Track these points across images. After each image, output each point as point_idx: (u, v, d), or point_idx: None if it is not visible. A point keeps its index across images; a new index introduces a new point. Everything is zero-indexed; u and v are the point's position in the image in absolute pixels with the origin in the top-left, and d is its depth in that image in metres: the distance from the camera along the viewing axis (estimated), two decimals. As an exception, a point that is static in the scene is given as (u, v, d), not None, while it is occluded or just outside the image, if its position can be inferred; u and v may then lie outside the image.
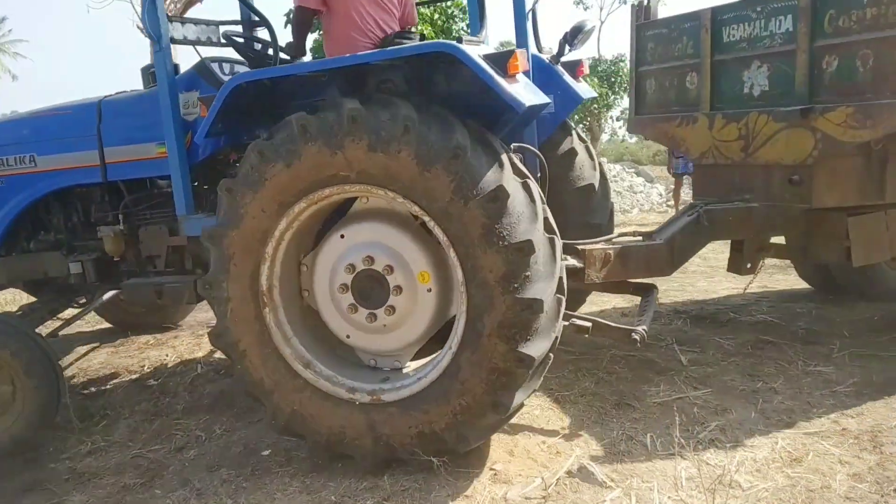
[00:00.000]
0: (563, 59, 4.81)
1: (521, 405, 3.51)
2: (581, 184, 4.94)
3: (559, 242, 3.58)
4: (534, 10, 4.60)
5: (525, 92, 3.52)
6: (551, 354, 3.53)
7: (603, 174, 5.19)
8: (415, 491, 3.45)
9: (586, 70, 5.02)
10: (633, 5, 6.02)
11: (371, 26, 4.25)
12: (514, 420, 4.00)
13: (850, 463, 3.53)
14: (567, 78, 4.74)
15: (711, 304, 6.45)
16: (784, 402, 4.18)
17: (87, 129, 4.55)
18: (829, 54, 4.46)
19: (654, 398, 4.29)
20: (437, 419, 3.47)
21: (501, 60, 3.42)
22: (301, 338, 3.79)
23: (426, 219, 3.38)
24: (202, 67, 4.47)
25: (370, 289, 3.61)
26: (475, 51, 3.40)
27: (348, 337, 3.77)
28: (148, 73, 4.65)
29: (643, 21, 5.86)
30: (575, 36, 4.73)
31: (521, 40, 4.23)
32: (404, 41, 4.18)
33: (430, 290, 3.57)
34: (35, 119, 4.82)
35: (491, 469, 3.60)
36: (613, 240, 4.76)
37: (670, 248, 4.67)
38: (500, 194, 3.22)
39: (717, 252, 7.48)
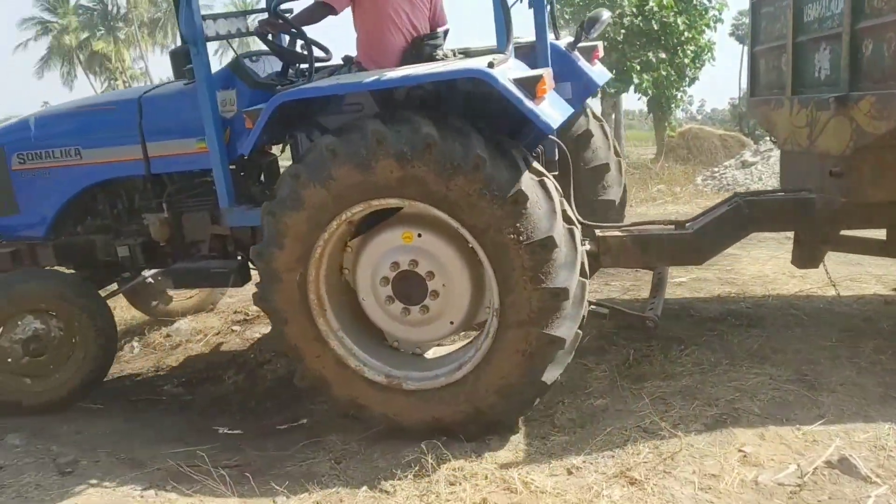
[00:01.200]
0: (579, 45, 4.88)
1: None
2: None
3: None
4: (552, 2, 4.75)
5: (552, 111, 3.77)
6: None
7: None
8: (657, 465, 3.41)
9: (601, 54, 5.18)
10: None
11: (406, 24, 4.38)
12: (766, 403, 3.85)
13: None
14: (583, 64, 4.85)
15: None
16: None
17: (130, 125, 4.72)
18: (868, 37, 4.10)
19: (928, 393, 3.90)
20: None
21: (530, 84, 3.63)
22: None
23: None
24: (237, 66, 4.62)
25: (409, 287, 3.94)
26: (506, 74, 3.60)
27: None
28: (182, 68, 4.73)
29: None
30: (592, 25, 4.79)
31: (541, 33, 4.43)
32: (435, 43, 4.47)
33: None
34: (78, 113, 5.00)
35: (740, 451, 3.46)
36: (640, 226, 4.83)
37: (700, 238, 4.62)
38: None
39: None
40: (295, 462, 3.97)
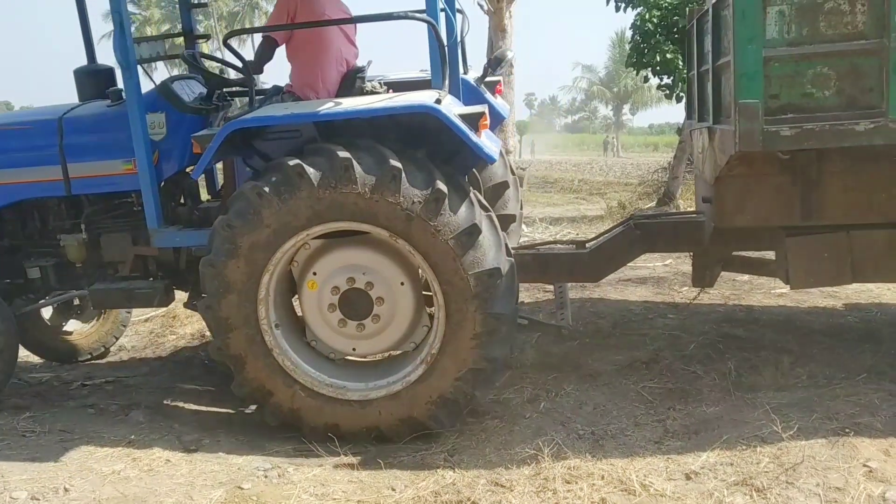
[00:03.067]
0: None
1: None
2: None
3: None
4: (463, 39, 4.98)
5: (491, 144, 4.20)
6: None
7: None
8: (779, 475, 3.41)
9: (503, 89, 5.70)
10: (689, 7, 6.05)
11: (339, 58, 4.61)
12: (888, 419, 3.81)
13: None
14: (489, 97, 5.09)
15: None
16: None
17: (49, 146, 4.64)
18: (721, 74, 4.36)
19: None
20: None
21: (474, 119, 3.93)
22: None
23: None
24: (166, 89, 4.67)
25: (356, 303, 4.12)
26: (451, 110, 3.88)
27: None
28: (85, 88, 4.87)
29: (690, 24, 5.62)
30: (498, 64, 5.19)
31: (455, 68, 4.62)
32: (363, 76, 4.73)
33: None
34: None
35: (864, 466, 3.43)
36: (542, 247, 5.41)
37: (595, 258, 5.05)
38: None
39: None
40: (407, 453, 4.06)
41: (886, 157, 4.14)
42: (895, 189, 4.26)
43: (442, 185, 3.81)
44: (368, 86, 4.66)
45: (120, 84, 4.90)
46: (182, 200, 5.07)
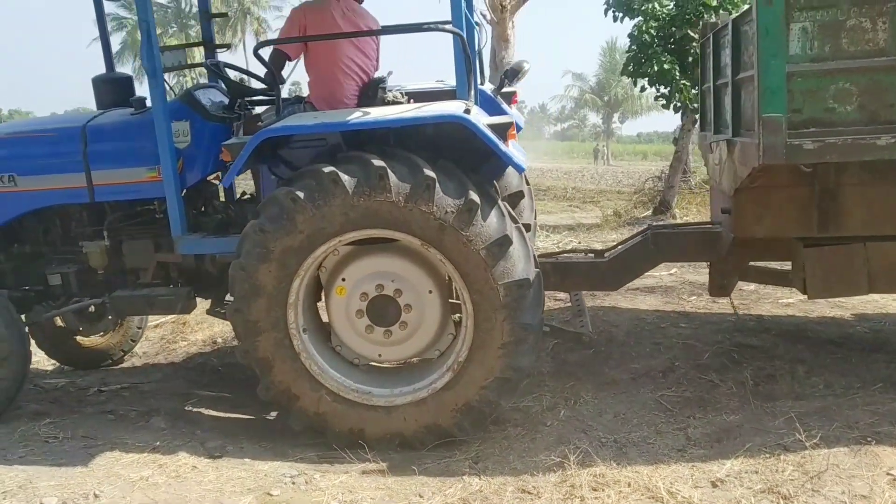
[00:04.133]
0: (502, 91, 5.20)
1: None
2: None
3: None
4: (480, 50, 5.11)
5: (519, 154, 4.25)
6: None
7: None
8: (805, 483, 3.46)
9: (518, 99, 5.59)
10: (703, 22, 6.18)
11: (355, 70, 4.66)
12: (905, 427, 3.88)
13: None
14: (506, 107, 5.10)
15: None
16: None
17: (73, 153, 4.67)
18: (742, 88, 4.44)
19: None
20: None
21: (503, 130, 4.00)
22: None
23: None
24: (190, 98, 4.73)
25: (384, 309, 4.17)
26: (480, 120, 3.95)
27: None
28: (103, 96, 4.93)
29: (704, 38, 5.71)
30: (515, 75, 5.23)
31: (461, 78, 4.32)
32: (384, 86, 4.76)
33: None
34: (14, 139, 4.89)
35: (888, 474, 3.49)
36: (561, 256, 5.54)
37: (615, 266, 5.17)
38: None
39: None
40: (433, 460, 4.09)
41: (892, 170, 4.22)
42: None
43: (475, 196, 3.86)
44: (390, 96, 4.69)
45: (140, 92, 4.97)
46: (203, 208, 5.10)
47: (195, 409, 4.92)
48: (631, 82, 14.47)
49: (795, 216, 4.52)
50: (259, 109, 5.16)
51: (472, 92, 4.22)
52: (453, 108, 3.99)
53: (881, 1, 3.92)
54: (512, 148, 4.10)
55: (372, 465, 4.01)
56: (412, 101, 4.69)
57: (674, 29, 14.40)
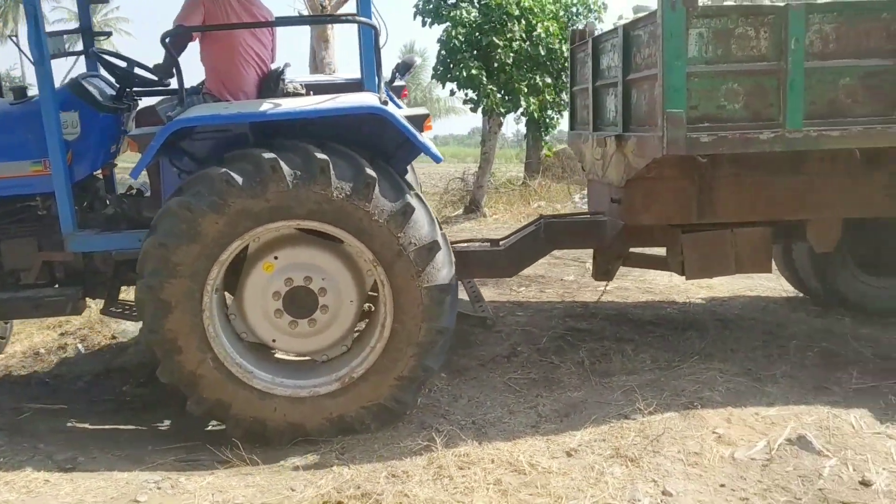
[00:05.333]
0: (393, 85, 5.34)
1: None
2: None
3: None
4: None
5: (432, 144, 4.34)
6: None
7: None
8: (647, 446, 3.87)
9: (408, 93, 5.79)
10: (572, 30, 6.47)
11: (254, 59, 4.64)
12: (724, 393, 4.42)
13: None
14: (397, 101, 5.20)
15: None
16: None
17: None
18: (634, 88, 4.90)
19: (849, 385, 4.60)
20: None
21: (420, 121, 4.24)
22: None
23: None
24: (79, 87, 4.59)
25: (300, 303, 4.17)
26: (397, 112, 4.09)
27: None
28: (8, 89, 4.73)
29: (577, 43, 6.26)
30: (407, 69, 5.34)
31: (370, 71, 4.44)
32: (284, 77, 4.76)
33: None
34: None
35: (714, 433, 3.98)
36: (459, 244, 5.60)
37: (511, 254, 5.46)
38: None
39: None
40: (299, 455, 4.11)
41: (764, 164, 4.79)
42: (770, 192, 4.92)
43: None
44: (290, 87, 4.65)
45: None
46: (87, 203, 4.81)
47: (32, 424, 4.60)
48: (429, 86, 15.00)
49: (678, 205, 4.96)
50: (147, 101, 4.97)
51: (383, 85, 4.27)
52: (370, 99, 4.05)
53: (763, 13, 4.43)
54: (429, 140, 4.23)
55: (237, 464, 3.97)
56: (311, 93, 4.67)
57: (480, 35, 15.01)
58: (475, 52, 14.88)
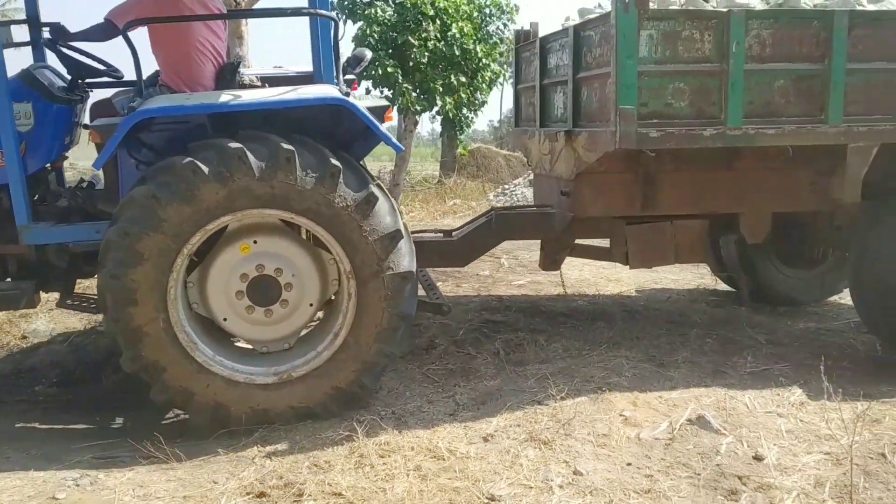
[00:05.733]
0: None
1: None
2: None
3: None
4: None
5: (391, 134, 4.52)
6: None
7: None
8: (559, 430, 4.07)
9: (358, 87, 5.97)
10: (516, 31, 6.70)
11: (210, 51, 4.64)
12: (630, 378, 4.67)
13: (925, 424, 4.19)
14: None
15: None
16: (855, 378, 4.81)
17: None
18: (584, 85, 5.17)
19: (744, 369, 4.94)
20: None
21: (380, 112, 4.51)
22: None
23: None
24: (31, 78, 4.55)
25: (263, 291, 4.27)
26: (360, 103, 4.26)
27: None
28: None
29: (521, 44, 6.53)
30: (357, 63, 5.35)
31: (328, 63, 4.50)
32: (240, 69, 4.80)
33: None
34: None
35: (621, 415, 4.22)
36: (414, 234, 5.72)
37: (464, 244, 5.64)
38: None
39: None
40: (220, 447, 4.14)
41: (702, 160, 5.08)
42: (707, 187, 5.22)
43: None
44: (246, 79, 4.67)
45: None
46: (37, 196, 4.71)
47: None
48: (359, 86, 15.07)
49: (623, 198, 5.20)
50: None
51: (341, 77, 4.36)
52: (331, 91, 4.18)
53: (708, 17, 4.69)
54: (388, 131, 4.40)
55: (159, 458, 3.97)
56: (266, 85, 4.70)
57: (395, 34, 15.07)
58: (390, 50, 14.93)
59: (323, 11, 4.24)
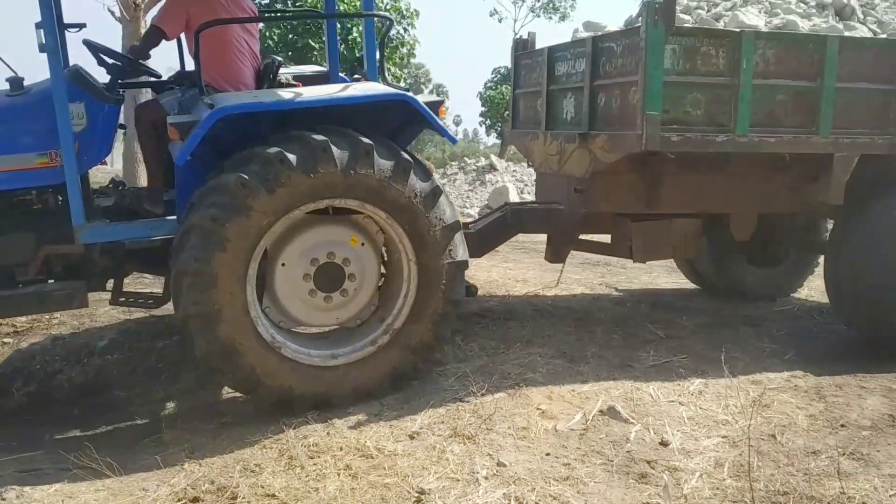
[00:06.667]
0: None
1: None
2: None
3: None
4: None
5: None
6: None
7: None
8: (480, 425, 4.28)
9: None
10: (515, 40, 7.15)
11: (248, 52, 4.90)
12: (545, 373, 4.93)
13: (805, 408, 4.62)
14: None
15: (662, 295, 7.58)
16: (747, 367, 5.24)
17: None
18: (601, 92, 5.59)
19: (647, 362, 5.29)
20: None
21: (436, 107, 4.75)
22: None
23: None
24: (80, 77, 4.65)
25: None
26: (421, 99, 4.65)
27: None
28: (9, 79, 4.67)
29: (521, 52, 6.95)
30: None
31: (371, 62, 5.10)
32: (277, 69, 5.03)
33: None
34: None
35: (538, 409, 4.47)
36: None
37: (482, 236, 6.03)
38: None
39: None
40: (148, 455, 4.16)
41: (700, 165, 5.56)
42: (704, 189, 5.73)
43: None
44: (283, 78, 4.93)
45: None
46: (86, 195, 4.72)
47: None
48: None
49: (631, 196, 5.68)
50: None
51: (386, 75, 4.85)
52: (384, 88, 4.63)
53: (722, 35, 5.17)
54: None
55: (86, 468, 3.95)
56: (301, 84, 4.92)
57: (294, 37, 15.01)
58: (289, 53, 14.85)
59: (379, 12, 4.61)
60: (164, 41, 4.75)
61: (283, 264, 4.48)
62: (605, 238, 6.29)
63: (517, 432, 4.22)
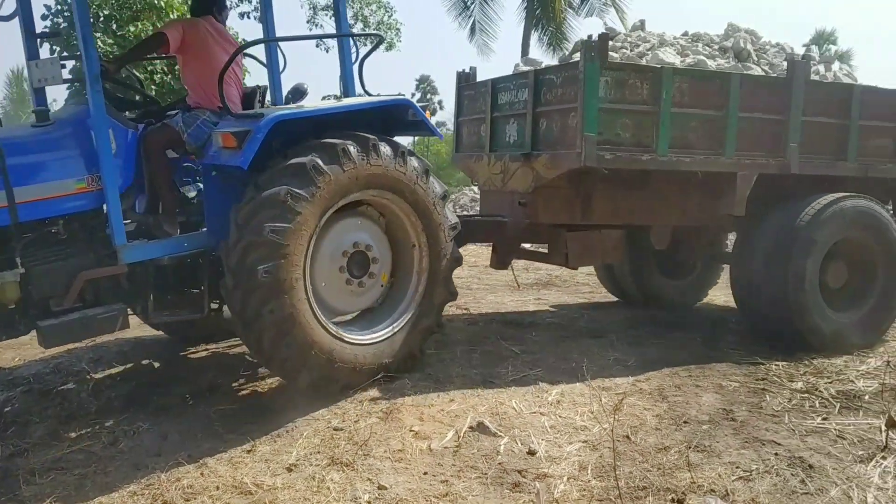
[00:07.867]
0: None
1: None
2: None
3: None
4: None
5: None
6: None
7: None
8: (357, 451, 4.35)
9: None
10: (458, 72, 7.59)
11: (235, 78, 5.52)
12: (414, 396, 5.08)
13: (651, 409, 5.05)
14: None
15: (509, 313, 7.95)
16: (596, 375, 5.63)
17: None
18: (543, 118, 6.28)
19: (507, 377, 5.56)
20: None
21: (425, 110, 5.57)
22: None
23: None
24: (107, 104, 4.77)
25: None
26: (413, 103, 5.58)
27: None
28: (34, 111, 4.83)
29: (464, 84, 7.51)
30: (300, 95, 6.15)
31: (350, 82, 5.90)
32: (256, 94, 5.84)
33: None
34: None
35: (411, 430, 4.60)
36: None
37: None
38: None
39: (492, 274, 9.13)
40: (4, 516, 3.92)
41: (625, 182, 6.24)
42: (628, 203, 6.47)
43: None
44: (267, 102, 5.70)
45: None
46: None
47: None
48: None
49: (568, 209, 6.38)
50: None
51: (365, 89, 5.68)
52: (398, 95, 5.51)
53: (645, 70, 5.96)
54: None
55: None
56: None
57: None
58: (115, 83, 14.21)
59: (372, 31, 5.15)
60: (161, 46, 5.21)
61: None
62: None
63: (394, 455, 4.33)
